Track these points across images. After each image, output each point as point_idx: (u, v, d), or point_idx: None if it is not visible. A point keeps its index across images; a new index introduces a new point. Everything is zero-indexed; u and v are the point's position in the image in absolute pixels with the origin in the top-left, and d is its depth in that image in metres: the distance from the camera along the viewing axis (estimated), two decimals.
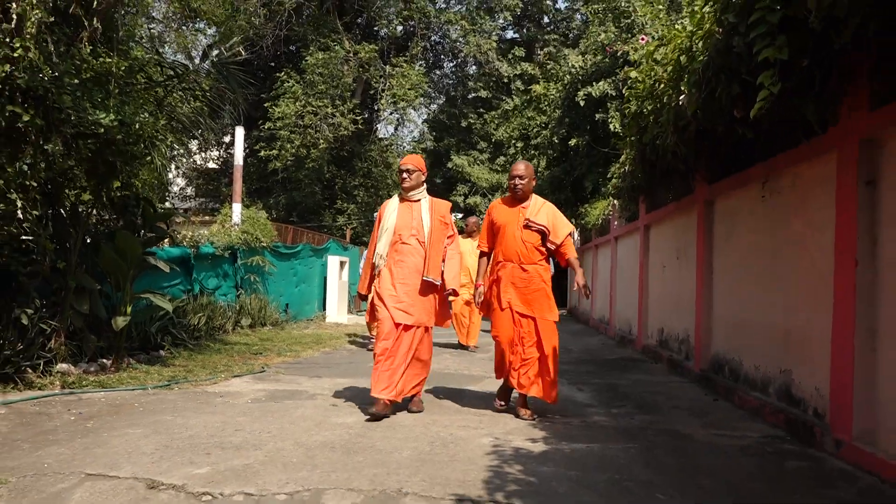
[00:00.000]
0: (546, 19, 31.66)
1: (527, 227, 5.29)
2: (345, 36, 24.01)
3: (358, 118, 23.06)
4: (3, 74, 5.17)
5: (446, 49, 29.48)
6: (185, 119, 9.22)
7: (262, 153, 22.44)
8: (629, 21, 14.92)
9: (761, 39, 3.25)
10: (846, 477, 3.71)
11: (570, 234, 5.38)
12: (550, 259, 5.48)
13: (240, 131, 13.06)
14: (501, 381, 5.53)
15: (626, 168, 8.48)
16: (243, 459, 3.86)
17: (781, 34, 3.21)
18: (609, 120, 14.14)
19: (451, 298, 5.56)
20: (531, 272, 5.26)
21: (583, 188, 16.48)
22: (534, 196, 5.46)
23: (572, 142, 16.00)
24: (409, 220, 5.38)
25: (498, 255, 5.42)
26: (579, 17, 28.28)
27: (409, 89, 24.04)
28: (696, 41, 4.60)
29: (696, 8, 4.55)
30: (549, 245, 5.32)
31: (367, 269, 5.54)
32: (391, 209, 5.46)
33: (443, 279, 5.42)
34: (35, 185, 5.85)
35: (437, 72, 31.61)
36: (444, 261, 5.46)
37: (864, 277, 3.90)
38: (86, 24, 5.93)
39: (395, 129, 28.57)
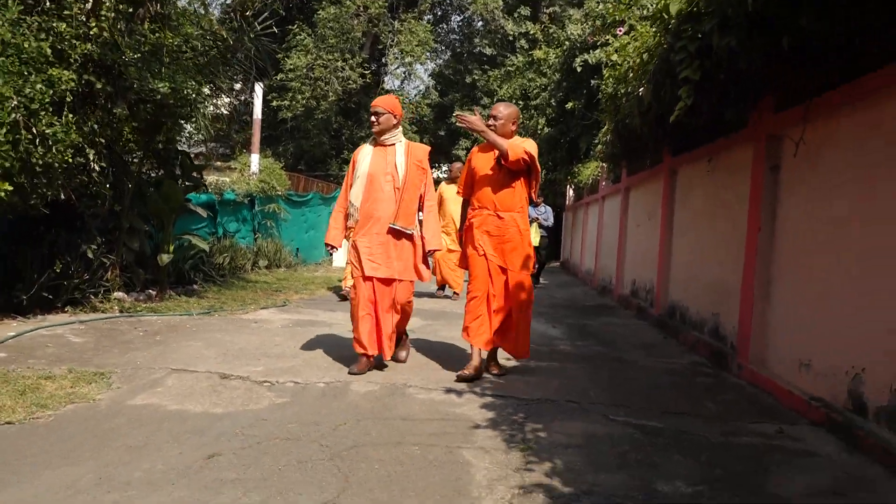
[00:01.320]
0: None
1: (500, 167, 4.95)
2: None
3: (366, 72, 23.95)
4: (86, 51, 6.27)
5: (454, 4, 30.18)
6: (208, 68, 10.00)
7: (274, 103, 23.39)
8: None
9: (681, 63, 4.38)
10: (738, 388, 4.96)
11: (526, 153, 4.85)
12: (533, 208, 5.36)
13: (259, 87, 14.09)
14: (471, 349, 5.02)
15: (608, 137, 9.59)
16: (287, 363, 5.12)
17: (697, 59, 4.33)
18: (602, 87, 15.13)
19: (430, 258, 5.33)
20: (507, 220, 4.94)
21: (577, 149, 17.52)
22: (515, 138, 5.05)
23: (569, 105, 17.02)
24: (383, 165, 5.02)
25: (474, 202, 5.12)
26: None
27: (416, 45, 24.88)
28: (652, 46, 5.70)
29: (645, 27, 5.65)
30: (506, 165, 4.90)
31: (338, 219, 5.16)
32: (364, 154, 5.13)
33: (422, 235, 5.15)
34: (102, 141, 7.01)
35: (444, 26, 32.32)
36: (421, 212, 5.22)
37: (764, 241, 5.09)
38: (146, 2, 6.99)
39: (402, 83, 29.38)
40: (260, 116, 14.30)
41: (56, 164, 6.15)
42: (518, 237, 4.97)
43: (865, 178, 3.90)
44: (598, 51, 15.57)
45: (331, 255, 9.43)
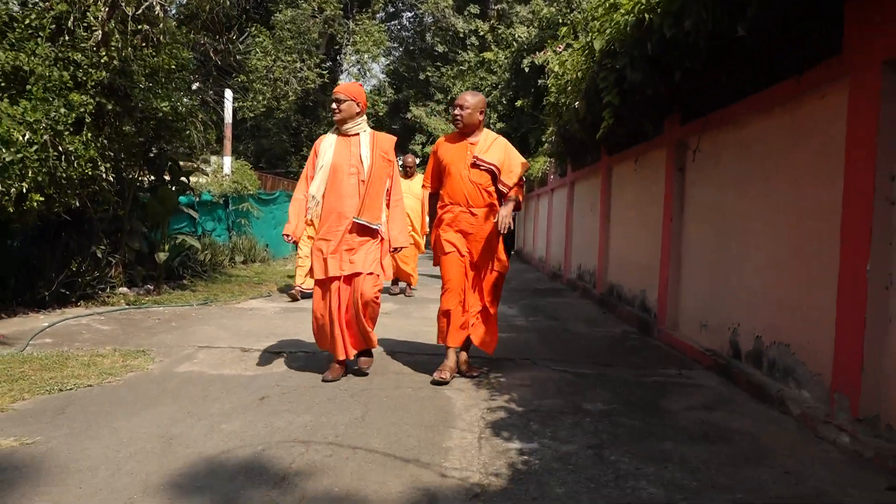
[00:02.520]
0: None
1: (475, 165, 4.72)
2: None
3: (324, 72, 24.88)
4: (100, 78, 7.23)
5: (406, 2, 31.23)
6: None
7: (236, 104, 24.19)
8: None
9: (604, 90, 5.60)
10: (656, 347, 6.23)
11: (522, 175, 4.86)
12: (502, 202, 4.83)
13: (228, 93, 15.01)
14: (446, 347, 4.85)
15: (553, 138, 10.82)
16: (291, 339, 6.22)
17: (616, 87, 5.55)
18: (546, 96, 16.48)
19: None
20: (480, 216, 4.74)
21: (528, 143, 18.81)
22: (485, 131, 4.89)
23: (518, 103, 18.27)
24: (347, 156, 4.71)
25: (444, 198, 4.88)
26: None
27: (371, 44, 25.90)
28: (584, 69, 6.91)
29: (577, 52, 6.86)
30: (500, 186, 4.76)
31: (297, 209, 4.84)
32: (327, 144, 4.80)
33: (388, 231, 4.87)
34: (111, 154, 7.97)
35: (396, 23, 33.38)
36: (387, 207, 4.91)
37: (675, 229, 6.35)
38: (149, 29, 7.95)
39: (357, 80, 30.32)
40: (230, 121, 15.20)
41: (76, 177, 7.14)
42: (492, 234, 4.74)
43: (741, 181, 5.15)
44: (542, 53, 16.84)
45: (297, 247, 9.83)
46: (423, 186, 5.21)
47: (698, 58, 4.47)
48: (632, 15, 5.01)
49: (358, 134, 4.79)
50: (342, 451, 3.26)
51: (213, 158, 15.89)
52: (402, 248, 4.90)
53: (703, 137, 5.76)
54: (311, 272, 4.90)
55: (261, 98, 23.74)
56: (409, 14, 32.82)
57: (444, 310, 4.80)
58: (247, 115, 24.10)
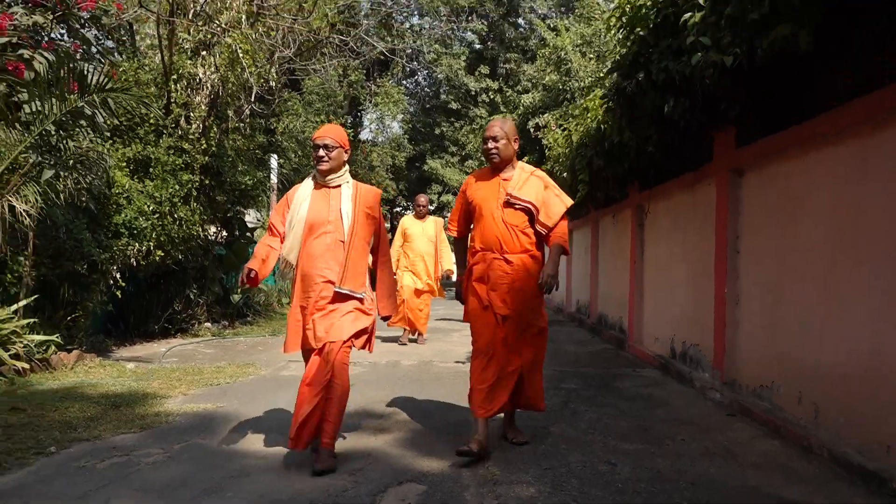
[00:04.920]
0: (511, 34, 36.22)
1: (508, 204, 4.12)
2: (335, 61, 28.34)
3: (349, 131, 27.41)
4: (203, 161, 9.57)
5: (421, 62, 33.97)
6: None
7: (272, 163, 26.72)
8: (567, 67, 19.50)
9: (580, 170, 7.84)
10: (624, 357, 8.36)
11: (565, 213, 4.23)
12: (543, 246, 4.29)
13: (274, 158, 17.41)
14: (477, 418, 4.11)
15: None
16: (354, 355, 8.38)
17: (587, 168, 7.79)
18: (543, 164, 18.82)
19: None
20: (516, 264, 4.12)
21: None
22: (519, 164, 4.30)
23: (525, 159, 20.59)
24: (324, 211, 4.00)
25: (475, 243, 4.29)
26: (535, 37, 32.78)
27: (391, 104, 28.54)
28: (567, 151, 9.18)
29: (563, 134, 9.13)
30: (538, 227, 4.15)
31: (263, 252, 4.04)
32: (302, 196, 4.07)
33: (375, 298, 4.23)
34: (206, 218, 10.29)
35: (412, 80, 36.14)
36: (373, 270, 4.30)
37: (638, 268, 8.53)
38: (235, 119, 10.34)
39: (376, 138, 32.99)
40: (276, 180, 17.60)
41: (183, 236, 9.45)
42: (531, 284, 4.12)
43: (670, 234, 7.34)
44: (544, 116, 19.23)
45: None
46: (447, 229, 4.75)
47: (637, 155, 6.70)
48: (595, 122, 7.28)
49: (339, 186, 4.07)
50: (412, 405, 5.45)
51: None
52: (390, 316, 4.29)
53: (650, 203, 7.99)
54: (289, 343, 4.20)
55: (292, 156, 26.26)
56: (425, 72, 35.60)
57: (474, 373, 4.17)
58: (281, 172, 26.61)
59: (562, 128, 11.18)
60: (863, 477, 3.54)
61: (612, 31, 5.82)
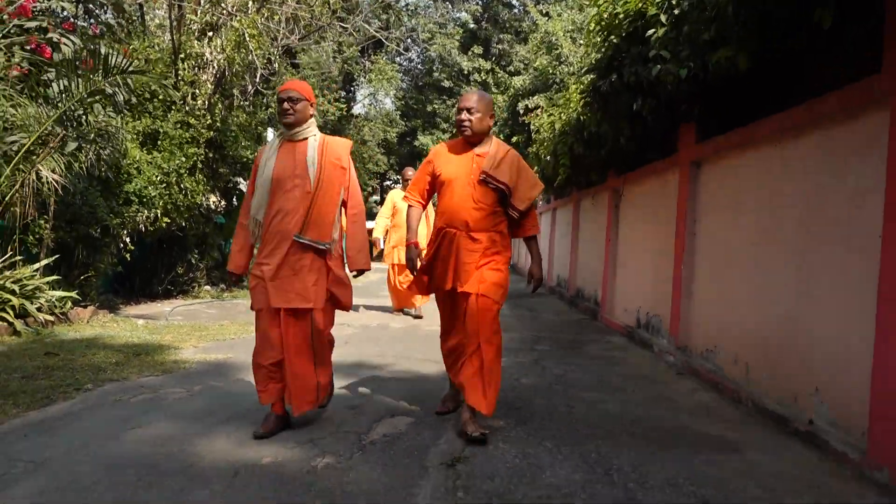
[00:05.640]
0: (505, 15, 36.65)
1: (483, 182, 3.92)
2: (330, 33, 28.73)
3: (342, 106, 27.91)
4: (207, 136, 10.16)
5: (416, 40, 34.37)
6: None
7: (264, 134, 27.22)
8: (557, 52, 20.08)
9: (562, 155, 8.50)
10: (596, 326, 9.09)
11: (534, 200, 4.05)
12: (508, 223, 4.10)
13: (270, 130, 17.94)
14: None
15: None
16: (346, 318, 9.08)
17: (568, 155, 8.45)
18: (530, 149, 19.48)
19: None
20: (483, 241, 3.94)
21: None
22: (494, 140, 4.08)
23: (514, 139, 21.21)
24: (291, 165, 3.89)
25: (439, 219, 4.07)
26: (528, 19, 33.24)
27: (385, 80, 29.01)
28: (551, 136, 9.83)
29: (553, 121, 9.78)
30: (510, 211, 4.00)
31: (240, 239, 4.10)
32: (269, 154, 3.98)
33: (347, 252, 4.17)
34: (209, 188, 10.90)
35: (405, 58, 36.53)
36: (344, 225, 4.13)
37: (612, 246, 9.23)
38: (239, 97, 10.91)
39: (368, 112, 33.44)
40: None
41: (188, 206, 10.07)
42: (497, 259, 3.98)
43: (639, 217, 8.04)
44: (534, 98, 19.83)
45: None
46: (405, 199, 4.34)
47: (611, 145, 7.37)
48: (575, 112, 7.93)
49: (306, 139, 3.97)
50: (401, 359, 6.15)
51: None
52: (364, 270, 4.18)
53: (625, 187, 8.67)
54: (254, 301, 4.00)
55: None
56: (419, 49, 36.01)
57: (446, 358, 4.28)
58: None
59: (548, 114, 11.80)
60: (774, 420, 4.27)
61: (591, 35, 6.46)
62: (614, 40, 5.90)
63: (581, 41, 18.73)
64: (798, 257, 4.35)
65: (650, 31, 5.05)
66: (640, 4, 5.41)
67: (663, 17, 4.94)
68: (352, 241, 4.16)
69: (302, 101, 3.88)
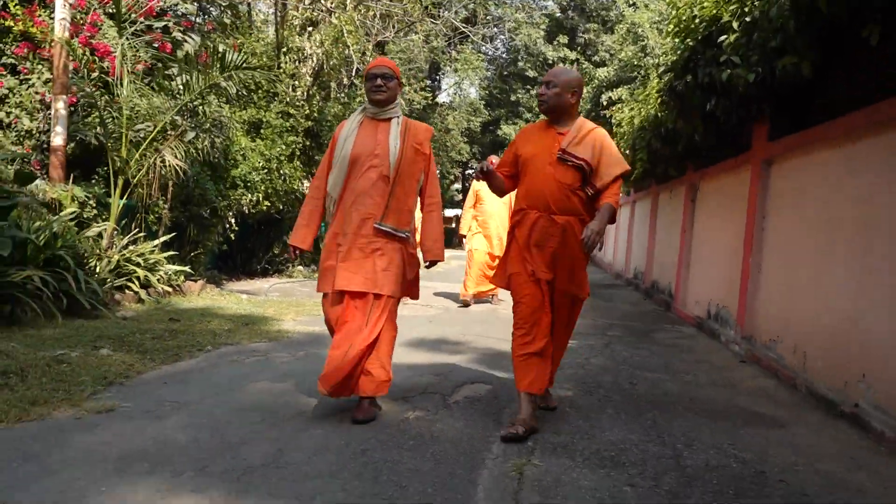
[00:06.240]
0: (592, 4, 36.55)
1: (561, 160, 3.74)
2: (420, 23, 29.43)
3: (428, 95, 28.59)
4: (305, 125, 10.91)
5: (502, 30, 34.73)
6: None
7: None
8: (643, 43, 20.14)
9: (640, 150, 8.83)
10: (669, 317, 9.41)
11: (620, 176, 3.77)
12: (594, 212, 3.81)
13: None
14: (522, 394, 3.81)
15: None
16: (430, 301, 9.67)
17: (646, 150, 8.77)
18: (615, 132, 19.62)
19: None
20: (565, 227, 3.74)
21: None
22: (579, 119, 3.89)
23: None
24: (370, 144, 3.79)
25: (520, 199, 3.93)
26: (616, 9, 33.09)
27: (470, 70, 29.52)
28: (630, 131, 10.14)
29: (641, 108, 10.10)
30: (588, 190, 3.77)
31: (309, 213, 4.01)
32: (349, 130, 3.88)
33: (419, 241, 4.13)
34: (305, 175, 11.66)
35: (491, 46, 36.93)
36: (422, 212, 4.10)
37: (686, 240, 9.51)
38: (333, 87, 11.63)
39: (453, 101, 34.04)
40: None
41: (286, 191, 10.85)
42: (577, 251, 3.77)
43: (715, 211, 8.30)
44: (618, 90, 19.97)
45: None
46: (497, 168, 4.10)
47: (686, 141, 7.68)
48: (654, 109, 8.26)
49: (390, 119, 3.89)
50: (480, 338, 6.69)
51: None
52: (436, 261, 4.09)
53: (702, 182, 8.94)
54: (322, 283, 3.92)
55: None
56: (504, 38, 36.34)
57: (517, 346, 3.87)
58: None
59: (629, 107, 12.07)
60: (824, 403, 4.61)
61: (669, 37, 6.80)
62: (690, 43, 6.24)
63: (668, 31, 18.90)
64: (857, 255, 4.65)
65: (722, 37, 5.39)
66: (714, 10, 5.74)
67: (735, 24, 5.27)
68: (427, 229, 4.06)
69: (394, 80, 3.84)
